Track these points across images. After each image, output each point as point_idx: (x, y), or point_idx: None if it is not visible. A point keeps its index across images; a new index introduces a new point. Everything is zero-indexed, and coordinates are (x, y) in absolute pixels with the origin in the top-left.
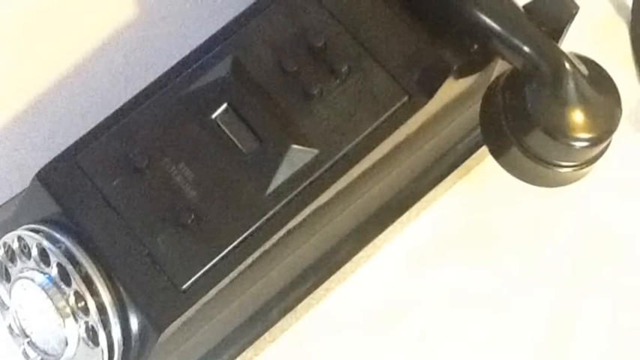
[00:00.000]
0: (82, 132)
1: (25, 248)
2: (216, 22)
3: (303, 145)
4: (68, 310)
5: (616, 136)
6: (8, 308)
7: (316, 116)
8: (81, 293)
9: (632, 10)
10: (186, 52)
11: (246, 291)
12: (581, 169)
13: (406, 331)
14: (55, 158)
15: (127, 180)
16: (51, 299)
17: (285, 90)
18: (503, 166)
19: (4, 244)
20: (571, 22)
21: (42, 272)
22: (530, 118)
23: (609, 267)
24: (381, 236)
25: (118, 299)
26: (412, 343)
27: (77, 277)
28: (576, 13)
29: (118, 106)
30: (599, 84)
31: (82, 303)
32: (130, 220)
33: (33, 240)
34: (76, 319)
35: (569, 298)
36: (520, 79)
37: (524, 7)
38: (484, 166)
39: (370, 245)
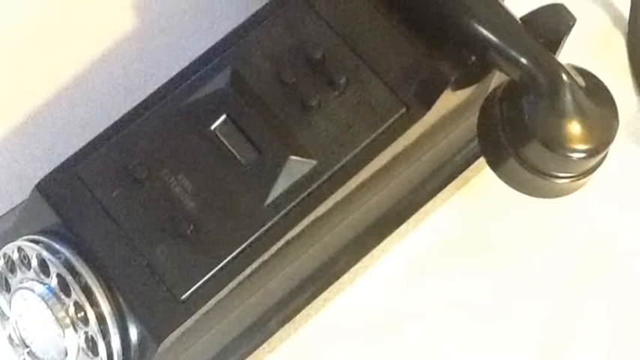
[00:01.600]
0: (82, 143)
1: (24, 259)
2: (215, 33)
3: (301, 156)
4: (68, 320)
5: (613, 147)
6: (8, 318)
7: (314, 127)
8: (80, 304)
9: (629, 21)
10: (185, 63)
11: (245, 301)
12: (579, 180)
13: (405, 340)
14: (54, 169)
15: (126, 191)
16: (51, 309)
17: (283, 101)
18: (500, 177)
19: (4, 254)
20: (568, 34)
21: (42, 283)
22: (528, 129)
23: (608, 276)
24: (379, 247)
25: (118, 309)
26: (411, 353)
27: (77, 287)
28: (573, 24)
29: (117, 118)
30: (596, 95)
31: (82, 313)
32: (129, 230)
33: (33, 251)
34: (75, 330)
35: (568, 306)
36: (517, 91)
37: (521, 18)
38: (482, 177)
39: (369, 256)
